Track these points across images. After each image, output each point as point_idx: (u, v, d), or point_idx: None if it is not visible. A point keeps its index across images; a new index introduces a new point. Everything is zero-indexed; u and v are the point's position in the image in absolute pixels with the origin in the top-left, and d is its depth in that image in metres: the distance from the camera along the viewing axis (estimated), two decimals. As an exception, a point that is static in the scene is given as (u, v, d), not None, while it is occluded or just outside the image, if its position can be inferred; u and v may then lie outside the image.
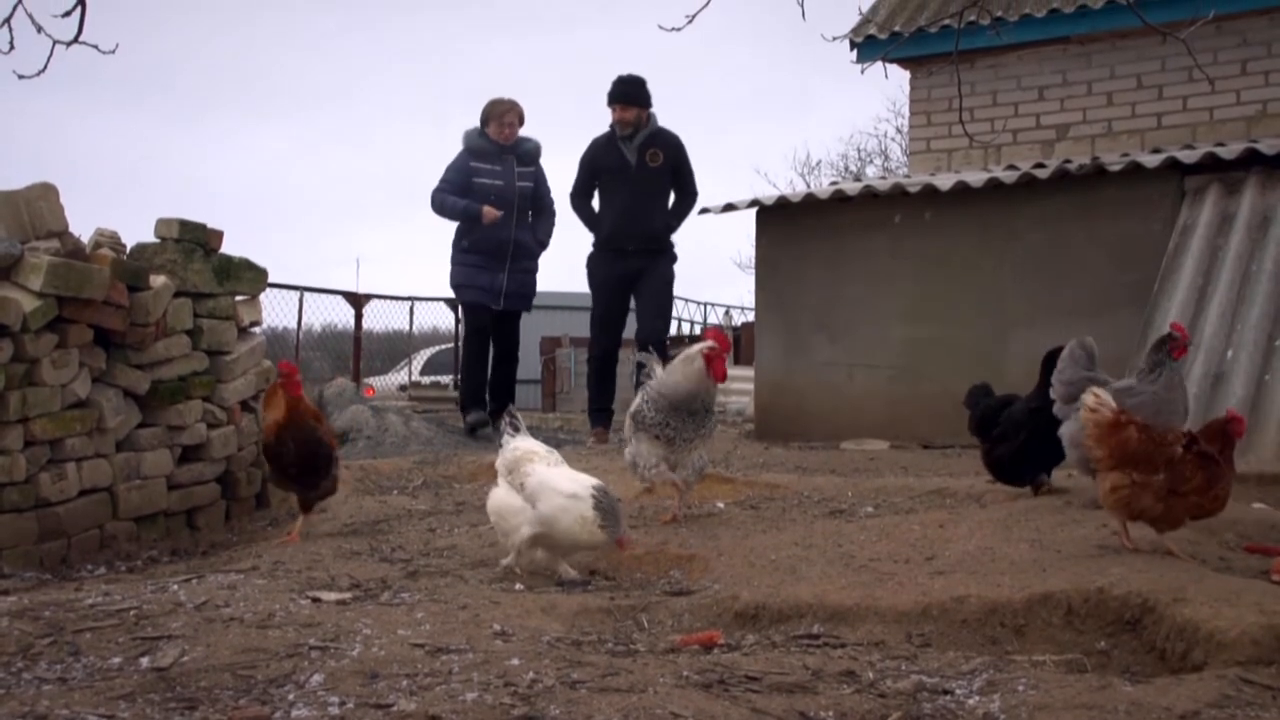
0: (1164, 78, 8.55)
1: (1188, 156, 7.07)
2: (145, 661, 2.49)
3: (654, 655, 2.73)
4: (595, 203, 7.60)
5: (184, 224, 5.00)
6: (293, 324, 12.55)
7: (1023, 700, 2.30)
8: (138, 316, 4.57)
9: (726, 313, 22.29)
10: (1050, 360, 4.47)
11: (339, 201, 70.18)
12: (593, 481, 3.62)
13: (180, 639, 2.62)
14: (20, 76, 3.38)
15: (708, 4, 3.95)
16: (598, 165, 7.48)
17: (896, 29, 9.16)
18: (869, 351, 7.83)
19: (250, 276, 5.33)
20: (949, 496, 4.83)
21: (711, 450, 5.11)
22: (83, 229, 4.73)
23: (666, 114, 7.57)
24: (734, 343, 12.92)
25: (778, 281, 8.25)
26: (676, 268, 7.66)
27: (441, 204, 7.70)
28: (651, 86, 7.38)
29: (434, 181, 7.76)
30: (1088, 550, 3.43)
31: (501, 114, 7.75)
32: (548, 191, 8.00)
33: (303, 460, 4.30)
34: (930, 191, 7.65)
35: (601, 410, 7.51)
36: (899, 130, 23.56)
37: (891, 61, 9.41)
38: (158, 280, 4.72)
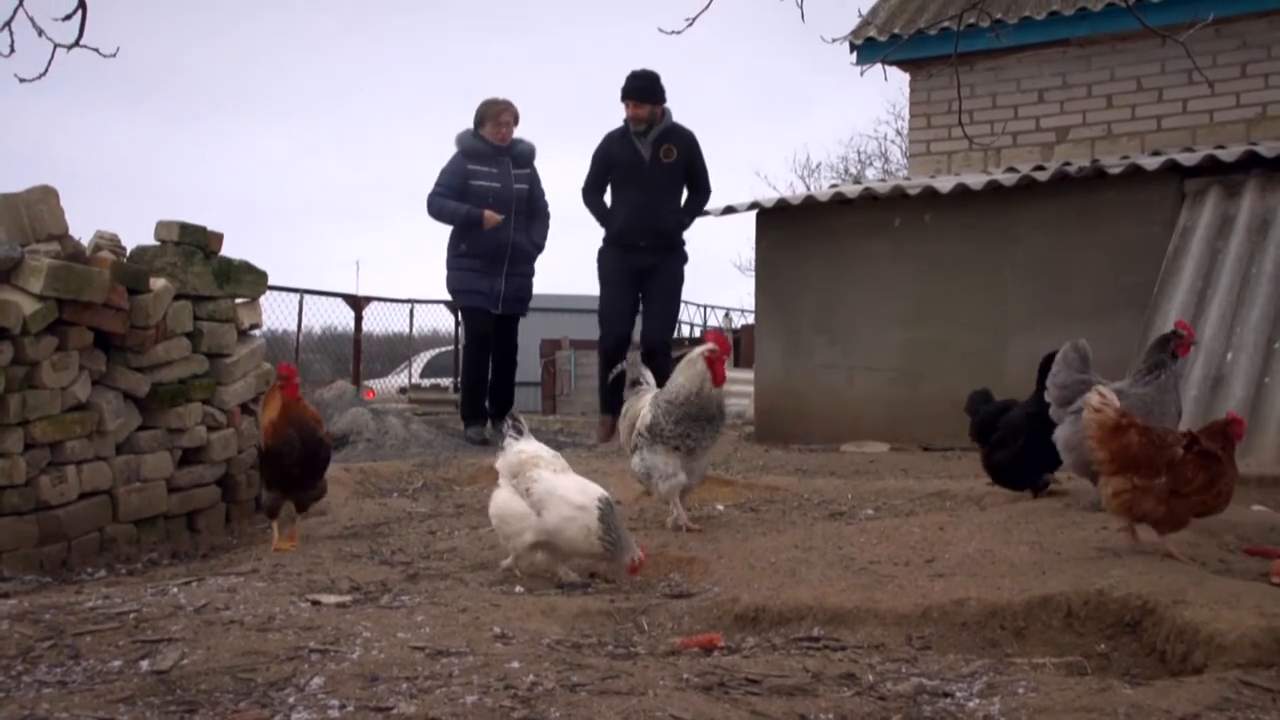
0: (1164, 80, 8.55)
1: (1187, 159, 7.07)
2: (145, 665, 2.49)
3: (654, 658, 2.73)
4: (607, 198, 7.56)
5: (184, 227, 5.00)
6: (293, 326, 12.56)
7: (1023, 703, 2.30)
8: (138, 319, 4.57)
9: (726, 315, 22.32)
10: (1048, 365, 4.48)
11: (339, 203, 70.35)
12: (599, 492, 3.61)
13: (180, 642, 2.62)
14: (21, 80, 3.38)
15: (708, 6, 3.96)
16: (611, 160, 7.42)
17: (896, 31, 9.16)
18: (869, 354, 7.83)
19: (250, 279, 5.33)
20: (949, 499, 4.84)
21: (712, 453, 5.09)
22: (82, 229, 4.74)
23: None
24: (734, 345, 12.94)
25: (777, 284, 8.26)
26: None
27: (440, 209, 7.59)
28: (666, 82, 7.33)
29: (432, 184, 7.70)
30: (1087, 553, 3.43)
31: (497, 114, 7.63)
32: (542, 194, 7.90)
33: (305, 460, 4.30)
34: (930, 194, 7.66)
35: (615, 400, 7.39)
36: (899, 133, 23.60)
37: (891, 64, 9.40)
38: (158, 283, 4.72)
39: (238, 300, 5.29)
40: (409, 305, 14.62)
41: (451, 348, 15.01)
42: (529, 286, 7.92)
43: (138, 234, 4.97)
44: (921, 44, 8.56)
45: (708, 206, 7.93)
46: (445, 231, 7.77)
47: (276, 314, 12.41)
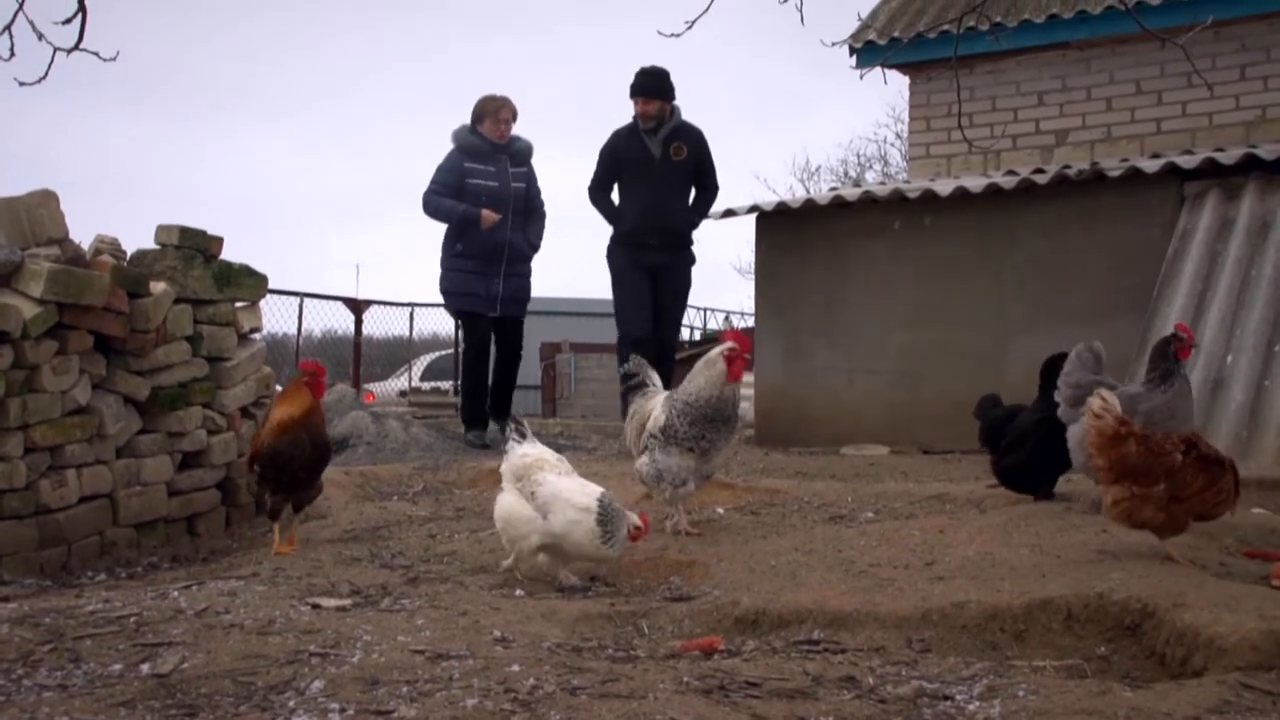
0: (1163, 83, 8.55)
1: (1187, 162, 7.08)
2: (146, 668, 2.49)
3: (654, 661, 2.73)
4: (614, 196, 7.50)
5: (184, 230, 5.01)
6: (293, 330, 12.54)
7: (1023, 706, 2.30)
8: (138, 323, 4.58)
9: (726, 318, 22.30)
10: (1049, 368, 4.48)
11: (339, 204, 70.25)
12: (598, 491, 3.61)
13: (181, 646, 2.62)
14: (21, 84, 3.38)
15: (708, 8, 3.96)
16: (619, 158, 7.33)
17: (896, 34, 9.17)
18: (869, 357, 7.84)
19: (250, 283, 5.33)
20: (949, 502, 4.84)
21: (725, 452, 5.06)
22: (82, 232, 4.74)
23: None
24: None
25: (777, 287, 8.26)
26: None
27: (436, 208, 7.46)
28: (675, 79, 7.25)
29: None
30: (1087, 555, 3.43)
31: (496, 110, 7.51)
32: (539, 193, 7.78)
33: (314, 463, 4.29)
34: (930, 197, 7.66)
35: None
36: (898, 136, 23.58)
37: (891, 67, 9.41)
38: (158, 287, 4.73)
39: (238, 304, 5.29)
40: (409, 308, 14.62)
41: (451, 351, 15.01)
42: (527, 286, 7.81)
43: (137, 235, 4.98)
44: (921, 47, 8.57)
45: (708, 208, 7.90)
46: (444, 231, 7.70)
47: (277, 317, 12.42)
